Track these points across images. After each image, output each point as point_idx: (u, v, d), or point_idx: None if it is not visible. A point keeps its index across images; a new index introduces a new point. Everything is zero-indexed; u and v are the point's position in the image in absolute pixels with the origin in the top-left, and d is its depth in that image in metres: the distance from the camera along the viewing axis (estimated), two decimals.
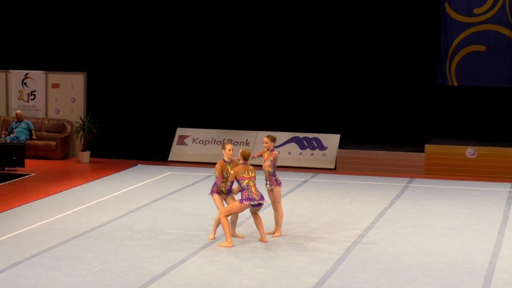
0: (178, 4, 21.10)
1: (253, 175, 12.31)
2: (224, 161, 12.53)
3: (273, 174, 12.92)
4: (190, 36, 21.12)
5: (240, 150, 12.43)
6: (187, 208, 15.05)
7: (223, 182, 12.48)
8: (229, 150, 12.50)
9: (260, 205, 12.37)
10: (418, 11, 19.89)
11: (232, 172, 12.30)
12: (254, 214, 12.58)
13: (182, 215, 14.51)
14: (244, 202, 12.23)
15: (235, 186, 12.63)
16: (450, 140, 19.80)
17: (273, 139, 12.98)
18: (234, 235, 12.76)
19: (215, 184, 12.57)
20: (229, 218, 12.49)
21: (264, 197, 12.49)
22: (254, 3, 20.75)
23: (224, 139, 20.21)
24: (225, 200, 12.64)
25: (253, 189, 12.25)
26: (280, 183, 12.99)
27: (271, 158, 12.82)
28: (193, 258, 11.78)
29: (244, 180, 12.25)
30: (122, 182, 17.55)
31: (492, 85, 19.22)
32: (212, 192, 12.61)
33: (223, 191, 12.51)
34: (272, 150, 12.94)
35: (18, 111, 20.85)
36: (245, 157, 12.34)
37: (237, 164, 12.45)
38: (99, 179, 17.90)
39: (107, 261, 11.58)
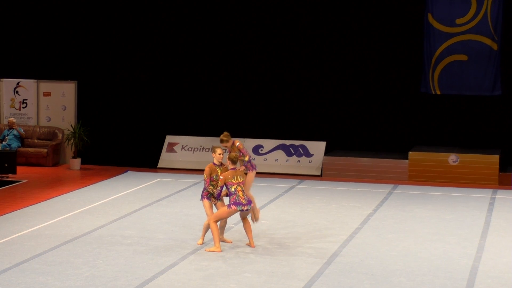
0: (166, 14, 21.11)
1: (241, 180, 12.34)
2: (214, 164, 12.56)
3: (248, 161, 12.87)
4: (178, 46, 21.13)
5: (228, 156, 12.46)
6: (176, 214, 15.03)
7: (211, 184, 12.50)
8: (219, 154, 12.54)
9: (247, 209, 12.39)
10: (402, 21, 19.96)
11: (221, 176, 12.32)
12: (243, 219, 12.59)
13: (171, 220, 14.50)
14: (231, 206, 12.25)
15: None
16: (433, 147, 19.85)
17: (227, 137, 12.79)
18: (222, 240, 12.75)
19: (204, 189, 12.59)
20: (218, 223, 12.49)
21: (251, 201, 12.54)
22: (239, 16, 20.77)
23: (212, 146, 20.21)
24: (215, 205, 12.64)
25: (240, 194, 12.27)
26: (255, 167, 12.92)
27: (239, 152, 12.77)
28: (182, 263, 11.77)
29: (233, 185, 12.28)
30: (112, 188, 17.53)
31: (474, 93, 19.28)
32: (202, 198, 12.63)
33: (212, 193, 12.52)
34: (233, 145, 12.89)
35: (10, 119, 20.80)
36: (234, 161, 12.37)
37: (227, 169, 12.46)
38: (90, 186, 17.87)
39: (97, 266, 11.55)
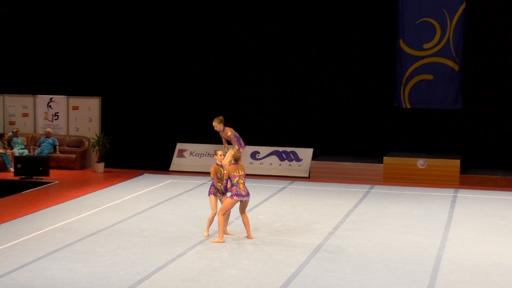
0: (175, 39, 21.14)
1: (242, 173, 12.37)
2: (217, 164, 12.59)
3: (237, 140, 12.78)
4: (186, 69, 21.17)
5: (232, 153, 12.48)
6: (185, 210, 15.03)
7: (218, 182, 12.51)
8: (220, 156, 12.58)
9: (246, 200, 12.38)
10: (378, 46, 20.00)
11: (225, 171, 12.35)
12: (243, 213, 12.57)
13: (181, 216, 14.50)
14: (234, 197, 12.27)
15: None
16: (405, 153, 19.87)
17: (220, 121, 12.81)
18: (225, 232, 12.75)
19: (212, 185, 12.60)
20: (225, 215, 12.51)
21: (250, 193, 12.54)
22: (232, 35, 20.81)
23: (214, 150, 20.23)
24: (220, 200, 12.65)
25: (241, 186, 12.29)
26: (244, 146, 12.86)
27: (228, 136, 12.77)
28: (190, 252, 11.76)
29: (235, 177, 12.29)
30: (131, 188, 17.52)
31: (439, 107, 19.30)
32: (209, 193, 12.64)
33: (219, 190, 12.52)
34: (224, 129, 12.81)
35: (48, 129, 20.87)
36: (236, 159, 12.40)
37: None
38: (112, 186, 17.86)
39: (118, 254, 11.54)
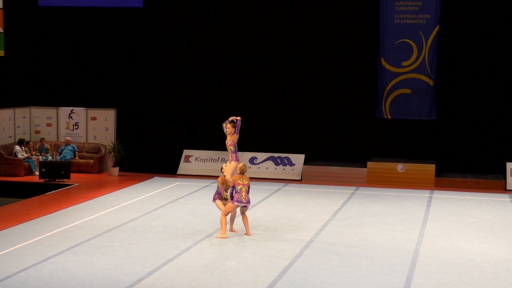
0: (180, 60, 21.18)
1: (246, 182, 12.38)
2: (224, 176, 12.62)
3: (234, 152, 12.85)
4: (191, 86, 21.19)
5: (239, 166, 12.48)
6: (191, 209, 15.03)
7: (225, 191, 12.52)
8: (223, 172, 12.66)
9: (246, 206, 12.41)
10: (363, 64, 20.05)
11: (231, 179, 12.39)
12: (243, 214, 12.60)
13: (188, 214, 14.50)
14: (234, 202, 12.31)
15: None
16: (386, 158, 19.89)
17: (233, 126, 12.91)
18: (231, 229, 12.76)
19: (216, 192, 12.59)
20: (228, 216, 12.53)
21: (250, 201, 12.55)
22: (229, 52, 20.84)
23: (223, 159, 20.26)
24: (224, 205, 12.64)
25: (243, 194, 12.30)
26: (238, 160, 12.87)
27: (231, 140, 12.83)
28: (195, 247, 11.77)
29: (239, 185, 12.32)
30: (142, 190, 17.53)
31: (416, 118, 19.35)
32: (214, 199, 12.63)
33: (224, 197, 12.51)
34: (233, 134, 12.89)
35: (67, 138, 20.89)
36: (242, 172, 12.42)
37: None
38: (125, 188, 17.86)
39: (131, 249, 11.55)
